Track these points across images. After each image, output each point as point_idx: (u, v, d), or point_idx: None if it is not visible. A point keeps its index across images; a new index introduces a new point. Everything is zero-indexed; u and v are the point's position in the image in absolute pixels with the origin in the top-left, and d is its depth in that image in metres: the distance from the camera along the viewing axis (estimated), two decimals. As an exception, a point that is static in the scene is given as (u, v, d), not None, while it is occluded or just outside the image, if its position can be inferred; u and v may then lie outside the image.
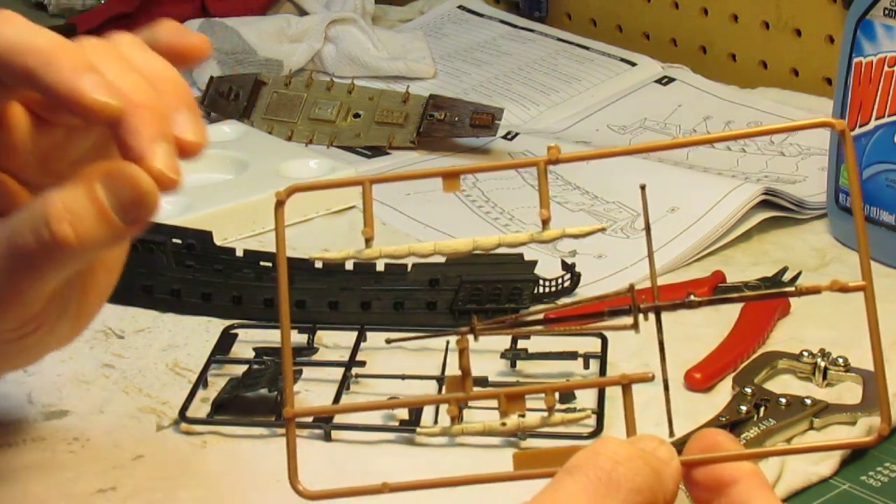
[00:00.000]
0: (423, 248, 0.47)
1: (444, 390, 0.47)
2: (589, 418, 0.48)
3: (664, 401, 0.48)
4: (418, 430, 0.47)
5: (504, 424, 0.46)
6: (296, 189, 0.48)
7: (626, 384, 0.46)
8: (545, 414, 0.46)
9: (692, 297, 0.49)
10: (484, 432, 0.46)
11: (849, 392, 0.73)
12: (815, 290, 0.46)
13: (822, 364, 0.74)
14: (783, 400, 0.71)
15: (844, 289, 0.45)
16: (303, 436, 0.71)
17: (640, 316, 0.48)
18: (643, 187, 0.51)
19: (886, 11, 0.88)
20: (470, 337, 0.48)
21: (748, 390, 0.72)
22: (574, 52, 1.30)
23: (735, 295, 0.50)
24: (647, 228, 0.51)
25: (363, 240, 0.48)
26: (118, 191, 0.50)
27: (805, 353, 0.75)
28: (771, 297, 0.51)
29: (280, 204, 0.47)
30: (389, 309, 0.82)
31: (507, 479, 0.45)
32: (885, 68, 0.88)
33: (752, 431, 0.69)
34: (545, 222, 0.47)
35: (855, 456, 0.68)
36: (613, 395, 0.73)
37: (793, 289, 0.47)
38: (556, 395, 0.70)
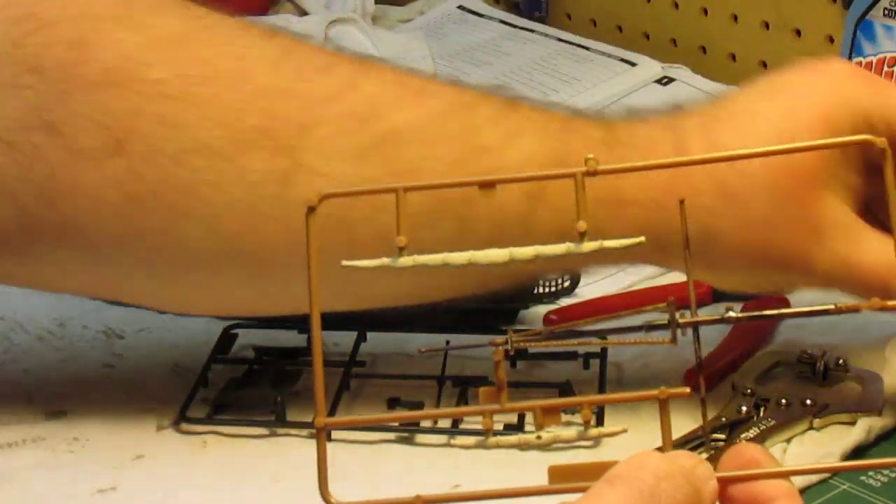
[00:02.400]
0: (457, 259, 0.46)
1: (479, 401, 0.46)
2: (625, 433, 0.47)
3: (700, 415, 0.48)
4: (453, 442, 0.46)
5: (539, 437, 0.45)
6: (328, 196, 0.45)
7: (664, 399, 0.45)
8: (581, 428, 0.46)
9: (731, 313, 0.49)
10: (519, 445, 0.46)
11: (849, 392, 0.73)
12: (855, 309, 0.46)
13: (822, 364, 0.74)
14: (783, 400, 0.71)
15: (885, 308, 0.45)
16: (303, 435, 0.71)
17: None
18: (682, 202, 0.50)
19: (886, 11, 0.88)
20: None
21: (748, 390, 0.72)
22: (574, 52, 1.30)
23: (773, 312, 0.50)
24: (686, 244, 0.50)
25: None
26: None
27: (805, 354, 0.75)
28: (809, 315, 0.50)
29: (311, 210, 0.45)
30: (389, 309, 0.82)
31: (543, 492, 0.44)
32: (885, 68, 0.88)
33: (752, 431, 0.69)
34: (582, 234, 0.46)
35: (855, 457, 0.68)
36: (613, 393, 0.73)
37: (832, 306, 0.46)
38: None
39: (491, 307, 0.82)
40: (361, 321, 0.80)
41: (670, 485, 0.42)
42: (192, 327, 0.83)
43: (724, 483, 0.44)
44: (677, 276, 0.87)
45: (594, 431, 0.45)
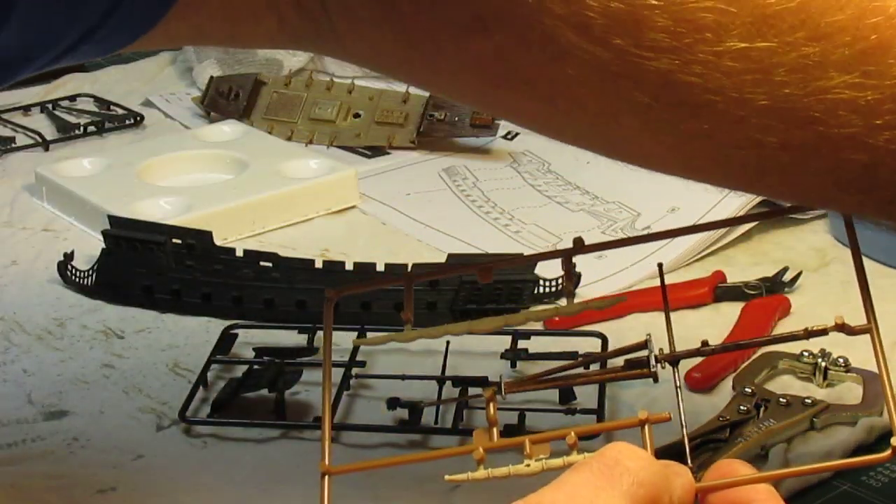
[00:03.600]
0: (457, 328, 0.50)
1: (472, 440, 0.49)
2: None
3: (677, 418, 0.49)
4: (446, 477, 0.48)
5: (528, 465, 0.47)
6: (344, 292, 0.51)
7: (645, 423, 0.47)
8: (567, 453, 0.47)
9: (709, 346, 0.52)
10: (510, 476, 0.47)
11: (849, 392, 0.73)
12: (823, 332, 0.48)
13: (823, 364, 0.74)
14: (783, 400, 0.71)
15: (850, 331, 0.46)
16: (303, 436, 0.71)
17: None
18: (660, 265, 0.55)
19: (887, 11, 0.88)
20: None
21: (748, 390, 0.72)
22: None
23: (746, 341, 0.52)
24: (665, 300, 0.53)
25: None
26: None
27: (805, 353, 0.75)
28: (780, 341, 0.53)
29: (330, 301, 0.50)
30: (389, 309, 0.82)
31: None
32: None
33: (753, 432, 0.68)
34: (570, 296, 0.51)
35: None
36: (613, 395, 0.73)
37: (801, 331, 0.48)
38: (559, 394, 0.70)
39: (492, 308, 0.82)
40: (361, 321, 0.80)
41: (634, 463, 0.43)
42: (192, 327, 0.83)
43: (704, 493, 0.46)
44: (678, 276, 0.88)
45: (579, 457, 0.47)
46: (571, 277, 0.52)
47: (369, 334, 0.52)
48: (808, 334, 0.48)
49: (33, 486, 0.67)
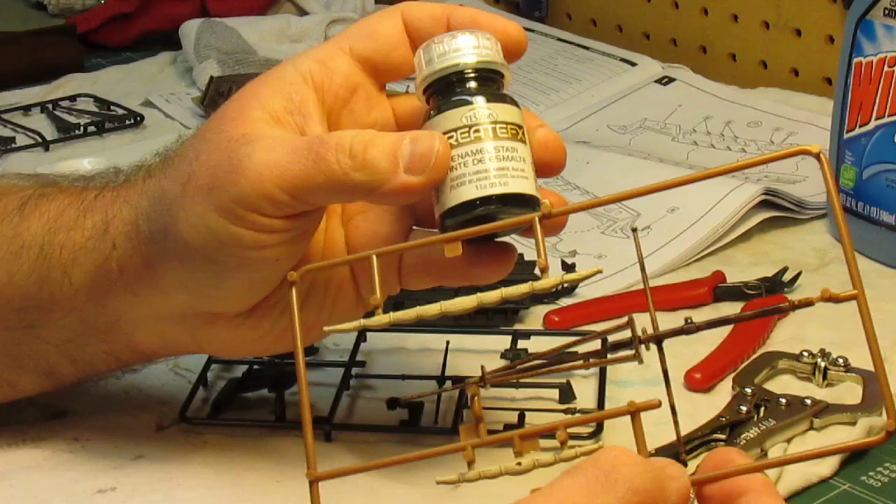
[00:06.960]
0: (429, 310, 0.50)
1: (459, 437, 0.49)
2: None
3: (669, 413, 0.49)
4: (437, 480, 0.48)
5: (520, 464, 0.47)
6: (308, 270, 0.50)
7: (635, 412, 0.47)
8: (558, 450, 0.47)
9: (691, 323, 0.51)
10: (501, 474, 0.47)
11: (849, 392, 0.73)
12: (808, 303, 0.47)
13: (822, 364, 0.74)
14: (783, 400, 0.71)
15: (836, 299, 0.46)
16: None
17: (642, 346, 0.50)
18: (635, 230, 0.54)
19: (886, 11, 0.88)
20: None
21: (748, 390, 0.72)
22: (574, 52, 1.30)
23: (732, 315, 0.52)
24: (642, 267, 0.53)
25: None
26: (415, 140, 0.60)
27: (805, 354, 0.75)
28: (766, 314, 0.53)
29: (292, 284, 0.50)
30: (389, 309, 0.81)
31: None
32: (885, 68, 0.88)
33: (752, 432, 0.69)
34: (543, 271, 0.50)
35: (855, 456, 0.68)
36: (613, 395, 0.73)
37: (786, 304, 0.48)
38: (557, 391, 0.70)
39: (490, 307, 0.81)
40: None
41: (629, 470, 0.43)
42: (192, 327, 0.83)
43: (699, 485, 0.46)
44: (677, 276, 0.88)
45: (570, 452, 0.47)
46: (543, 245, 0.52)
47: (341, 325, 0.52)
48: (794, 306, 0.48)
49: (33, 485, 0.67)
